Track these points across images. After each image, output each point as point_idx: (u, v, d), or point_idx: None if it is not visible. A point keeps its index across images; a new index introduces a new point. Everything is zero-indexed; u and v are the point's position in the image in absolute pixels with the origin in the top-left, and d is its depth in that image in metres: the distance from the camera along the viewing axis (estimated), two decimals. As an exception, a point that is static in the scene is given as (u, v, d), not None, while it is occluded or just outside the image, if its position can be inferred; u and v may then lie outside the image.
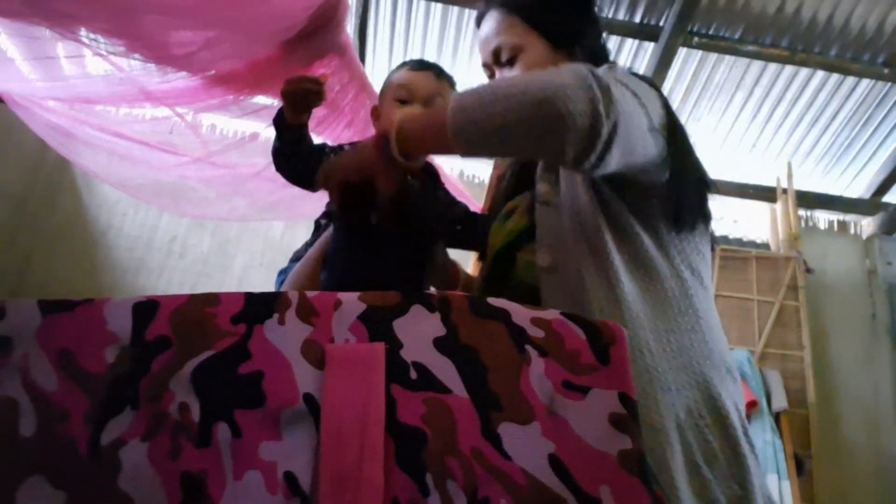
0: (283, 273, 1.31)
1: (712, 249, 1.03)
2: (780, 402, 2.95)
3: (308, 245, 1.28)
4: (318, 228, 1.28)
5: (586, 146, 0.75)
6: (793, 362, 3.20)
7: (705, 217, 0.99)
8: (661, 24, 3.27)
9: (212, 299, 0.63)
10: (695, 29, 3.29)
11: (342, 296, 0.65)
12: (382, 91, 1.34)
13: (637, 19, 3.29)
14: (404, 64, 1.33)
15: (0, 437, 0.55)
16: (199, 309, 0.62)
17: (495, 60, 1.10)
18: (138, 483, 0.54)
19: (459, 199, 1.40)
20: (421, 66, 1.30)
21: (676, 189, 0.92)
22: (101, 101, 2.07)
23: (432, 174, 1.35)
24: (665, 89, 3.48)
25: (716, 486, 0.77)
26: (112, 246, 3.41)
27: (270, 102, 2.11)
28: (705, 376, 0.84)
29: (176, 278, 3.39)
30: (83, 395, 0.57)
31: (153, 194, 2.78)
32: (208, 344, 0.60)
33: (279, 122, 1.13)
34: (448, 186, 1.49)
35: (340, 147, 1.25)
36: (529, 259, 0.97)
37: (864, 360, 3.54)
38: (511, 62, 1.07)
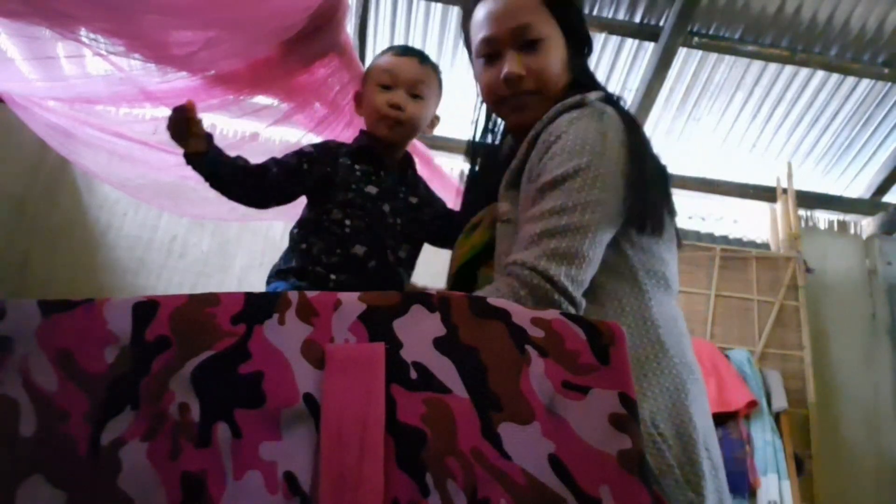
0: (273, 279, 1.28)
1: (679, 246, 1.05)
2: (780, 402, 2.95)
3: (283, 261, 1.27)
4: (293, 238, 1.28)
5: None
6: (793, 362, 3.20)
7: (671, 213, 1.01)
8: (661, 24, 3.27)
9: (212, 299, 0.63)
10: (695, 29, 3.29)
11: (342, 296, 0.65)
12: (366, 76, 1.33)
13: (637, 19, 3.29)
14: (389, 49, 1.33)
15: (0, 437, 0.55)
16: (199, 309, 0.62)
17: (513, 38, 1.03)
18: (138, 483, 0.54)
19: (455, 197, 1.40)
20: (405, 51, 1.30)
21: (640, 201, 0.93)
22: (101, 101, 2.07)
23: (411, 166, 1.35)
24: (665, 89, 3.48)
25: (668, 496, 0.79)
26: (112, 246, 3.41)
27: (270, 102, 2.11)
28: (663, 387, 0.87)
29: (176, 278, 3.39)
30: (83, 395, 0.57)
31: (153, 194, 2.78)
32: (208, 344, 0.60)
33: (188, 160, 1.16)
34: (445, 184, 1.49)
35: (300, 152, 1.25)
36: (489, 275, 0.98)
37: (864, 360, 3.54)
38: (532, 47, 1.03)
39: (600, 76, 3.48)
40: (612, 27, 3.28)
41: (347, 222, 1.19)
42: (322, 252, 1.19)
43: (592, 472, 0.56)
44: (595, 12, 3.27)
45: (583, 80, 1.08)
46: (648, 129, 3.67)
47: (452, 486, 0.55)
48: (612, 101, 1.02)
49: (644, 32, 3.31)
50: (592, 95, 1.00)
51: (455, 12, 3.29)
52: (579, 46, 1.09)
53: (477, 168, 1.23)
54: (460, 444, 0.57)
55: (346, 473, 0.54)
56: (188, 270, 3.42)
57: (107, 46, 1.52)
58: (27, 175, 3.39)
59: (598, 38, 3.33)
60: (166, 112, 2.07)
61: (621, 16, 3.28)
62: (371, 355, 0.60)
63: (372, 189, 1.23)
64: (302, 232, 1.24)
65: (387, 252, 1.21)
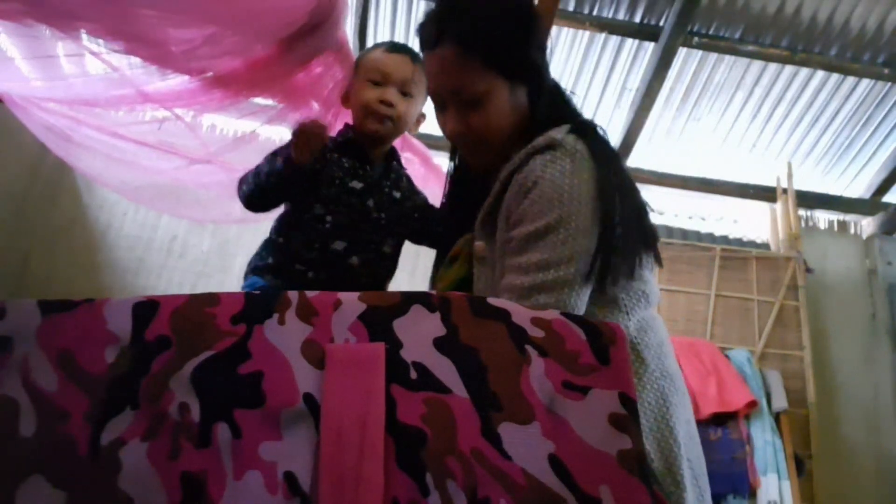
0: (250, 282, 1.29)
1: (660, 265, 1.06)
2: (780, 402, 2.96)
3: (259, 256, 1.28)
4: (271, 232, 1.29)
5: None
6: (793, 362, 3.20)
7: (647, 246, 1.00)
8: (661, 24, 3.27)
9: (212, 299, 0.63)
10: (695, 29, 3.29)
11: (342, 296, 0.65)
12: (355, 70, 1.32)
13: (637, 19, 3.29)
14: (379, 45, 1.32)
15: (0, 437, 0.55)
16: (199, 309, 0.62)
17: (450, 98, 1.01)
18: (138, 483, 0.54)
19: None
20: (397, 49, 1.29)
21: (621, 250, 0.94)
22: (100, 104, 2.06)
23: (395, 159, 1.35)
24: (665, 89, 3.48)
25: None
26: (112, 246, 3.41)
27: (268, 103, 2.11)
28: (644, 402, 0.89)
29: (176, 278, 3.39)
30: (83, 395, 0.57)
31: (151, 197, 2.78)
32: (208, 344, 0.60)
33: (286, 169, 1.16)
34: (442, 183, 1.48)
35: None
36: None
37: (864, 360, 3.54)
38: (471, 105, 1.00)
39: (600, 76, 3.50)
40: (612, 27, 3.28)
41: (328, 218, 1.19)
42: (301, 246, 1.19)
43: (592, 472, 0.56)
44: (595, 12, 3.27)
45: (546, 113, 1.04)
46: (648, 129, 3.68)
47: (452, 485, 0.55)
48: (583, 132, 0.98)
49: (644, 32, 3.31)
50: (562, 133, 0.96)
51: (455, 12, 3.29)
52: (524, 76, 1.03)
53: (457, 163, 1.23)
54: (460, 444, 0.57)
55: (346, 473, 0.54)
56: (188, 270, 3.42)
57: (106, 45, 1.52)
58: (27, 175, 3.39)
59: (598, 38, 3.33)
60: (165, 114, 2.06)
61: (621, 16, 3.28)
62: (371, 355, 0.60)
63: (357, 184, 1.23)
64: (280, 227, 1.25)
65: (370, 247, 1.22)
